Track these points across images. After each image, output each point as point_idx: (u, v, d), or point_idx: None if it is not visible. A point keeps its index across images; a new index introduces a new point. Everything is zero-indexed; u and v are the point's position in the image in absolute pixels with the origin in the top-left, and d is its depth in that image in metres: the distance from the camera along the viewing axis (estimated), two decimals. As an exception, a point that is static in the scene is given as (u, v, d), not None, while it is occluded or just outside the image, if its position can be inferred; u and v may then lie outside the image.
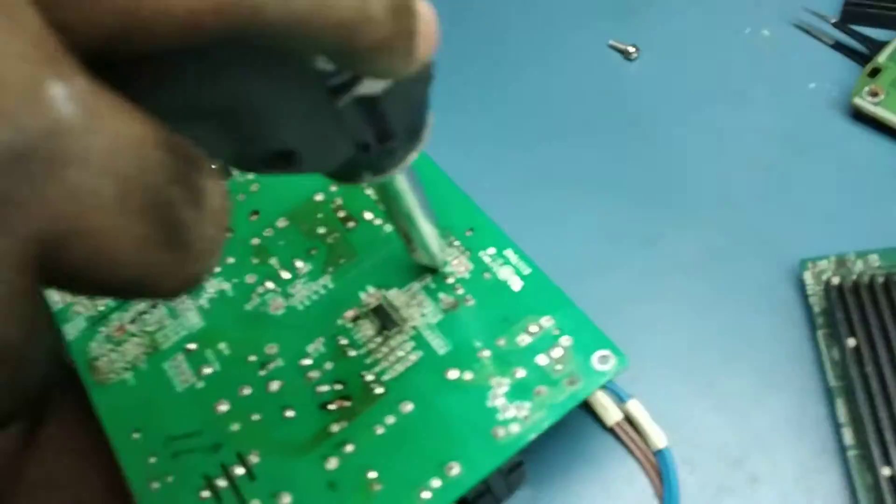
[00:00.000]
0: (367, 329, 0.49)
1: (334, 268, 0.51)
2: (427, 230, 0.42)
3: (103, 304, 0.48)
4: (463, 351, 0.45)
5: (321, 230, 0.53)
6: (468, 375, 0.44)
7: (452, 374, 0.44)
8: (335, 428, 0.43)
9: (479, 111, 0.64)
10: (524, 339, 0.45)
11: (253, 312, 0.48)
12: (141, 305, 0.47)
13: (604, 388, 0.44)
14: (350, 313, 0.50)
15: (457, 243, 0.49)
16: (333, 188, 0.53)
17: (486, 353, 0.45)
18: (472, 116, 0.63)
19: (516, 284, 0.48)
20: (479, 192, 0.51)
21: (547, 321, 0.46)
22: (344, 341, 0.48)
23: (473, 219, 0.50)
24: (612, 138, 0.61)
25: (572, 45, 0.66)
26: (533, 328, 0.46)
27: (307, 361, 0.47)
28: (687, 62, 0.62)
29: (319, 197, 0.54)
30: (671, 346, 0.50)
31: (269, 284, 0.51)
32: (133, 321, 0.49)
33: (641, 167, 0.58)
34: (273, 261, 0.52)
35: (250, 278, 0.51)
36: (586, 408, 0.49)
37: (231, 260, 0.51)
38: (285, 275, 0.52)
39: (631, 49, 0.64)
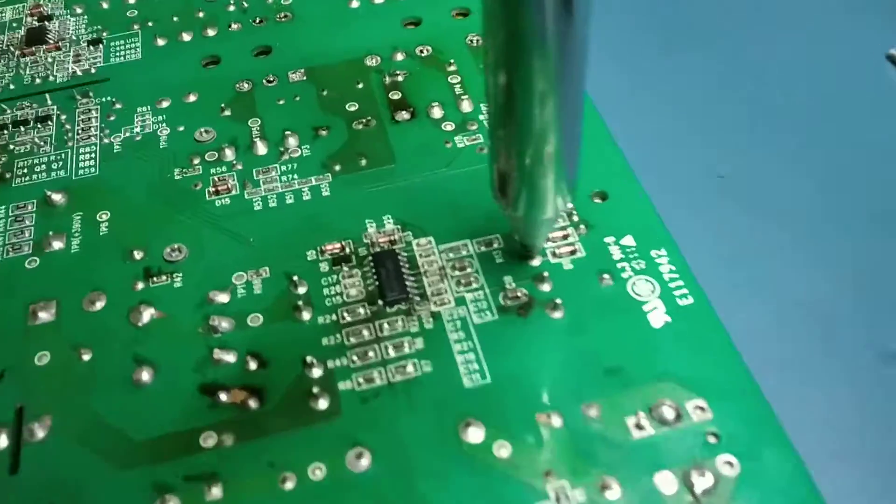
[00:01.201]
0: (351, 285, 0.34)
1: (344, 168, 0.39)
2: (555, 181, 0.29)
3: None
4: (504, 400, 0.30)
5: (351, 107, 0.42)
6: (502, 451, 0.29)
7: (472, 436, 0.29)
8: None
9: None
10: (640, 429, 0.29)
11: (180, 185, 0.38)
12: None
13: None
14: (332, 247, 0.36)
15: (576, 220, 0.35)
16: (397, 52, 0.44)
17: (555, 422, 0.29)
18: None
19: (658, 317, 0.32)
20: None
21: (696, 403, 0.29)
22: (299, 289, 0.34)
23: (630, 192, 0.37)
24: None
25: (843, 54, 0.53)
26: (665, 408, 0.29)
27: (222, 298, 0.34)
28: None
29: (372, 61, 0.44)
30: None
31: (229, 153, 0.40)
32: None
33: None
34: (255, 123, 0.41)
35: (204, 133, 0.41)
36: None
37: (193, 99, 0.43)
38: (260, 148, 0.40)
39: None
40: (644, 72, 0.55)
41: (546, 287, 0.34)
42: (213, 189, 0.38)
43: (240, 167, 0.39)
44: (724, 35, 0.58)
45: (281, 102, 0.42)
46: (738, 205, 0.47)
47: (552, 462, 0.28)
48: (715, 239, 0.44)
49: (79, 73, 0.45)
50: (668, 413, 0.29)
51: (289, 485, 0.29)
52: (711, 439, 0.28)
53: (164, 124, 0.42)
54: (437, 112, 0.41)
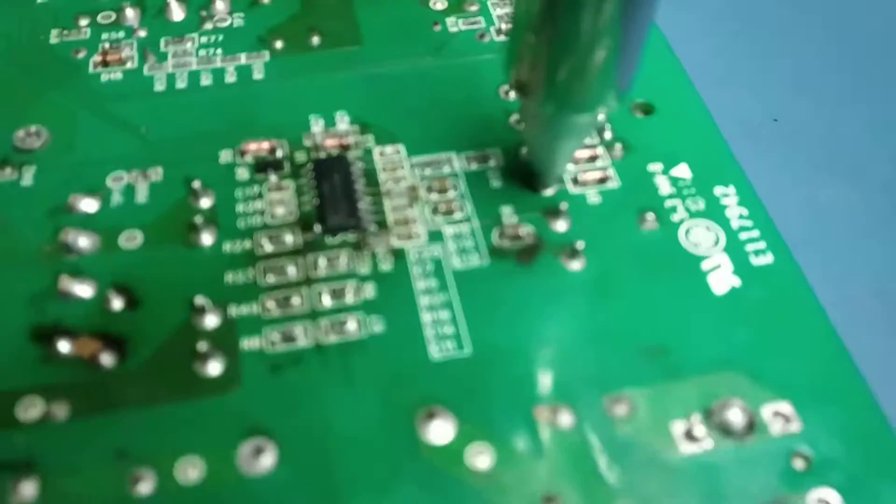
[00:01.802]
0: (278, 201, 0.25)
1: (289, 45, 0.29)
2: None
3: None
4: (489, 384, 0.22)
5: None
6: (479, 460, 0.20)
7: (436, 433, 0.21)
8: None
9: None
10: (693, 440, 0.21)
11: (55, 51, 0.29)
12: None
13: None
14: (258, 146, 0.26)
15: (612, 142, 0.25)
16: None
17: (563, 421, 0.21)
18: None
19: (722, 278, 0.23)
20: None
21: (777, 407, 0.21)
22: (202, 201, 0.25)
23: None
24: None
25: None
26: (730, 413, 0.21)
27: (86, 205, 0.25)
28: None
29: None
30: None
31: (130, 15, 0.30)
32: None
33: None
34: None
35: None
36: None
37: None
38: (175, 12, 0.30)
39: None
40: None
41: (561, 225, 0.24)
42: (101, 59, 0.28)
43: (143, 34, 0.29)
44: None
45: (214, -42, 0.32)
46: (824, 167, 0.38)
47: (554, 481, 0.20)
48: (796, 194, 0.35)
49: None
50: (736, 420, 0.21)
51: (143, 488, 0.19)
52: (799, 463, 0.20)
53: (49, -28, 0.31)
54: (424, -16, 0.31)
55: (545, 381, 0.21)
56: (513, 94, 0.27)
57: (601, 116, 0.22)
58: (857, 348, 0.24)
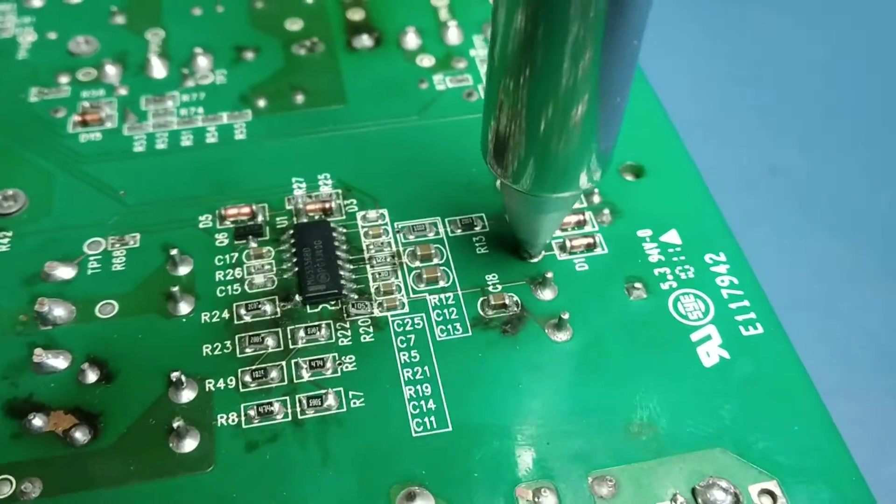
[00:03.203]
0: (258, 269, 0.26)
1: (272, 104, 0.31)
2: None
3: None
4: (470, 462, 0.22)
5: (292, 25, 0.34)
6: None
7: None
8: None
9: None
10: None
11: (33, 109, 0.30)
12: None
13: None
14: (238, 211, 0.27)
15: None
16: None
17: (546, 502, 0.22)
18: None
19: (711, 350, 0.24)
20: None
21: (764, 486, 0.22)
22: (180, 269, 0.26)
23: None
24: None
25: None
26: (716, 492, 0.22)
27: (63, 273, 0.26)
28: None
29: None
30: None
31: (111, 72, 0.32)
32: None
33: None
34: (155, 35, 0.33)
35: (83, 44, 0.33)
36: None
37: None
38: (157, 69, 0.32)
39: None
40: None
41: (548, 294, 0.25)
42: (80, 118, 0.29)
43: (123, 92, 0.30)
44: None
45: (197, 12, 0.33)
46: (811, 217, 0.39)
47: (537, 570, 0.20)
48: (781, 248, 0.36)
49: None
50: (721, 499, 0.22)
51: (114, 573, 0.20)
52: (787, 548, 0.20)
53: (30, 28, 0.33)
54: (411, 40, 0.32)
55: (528, 458, 0.22)
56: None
57: (587, 187, 0.23)
58: (854, 408, 0.25)
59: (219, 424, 0.22)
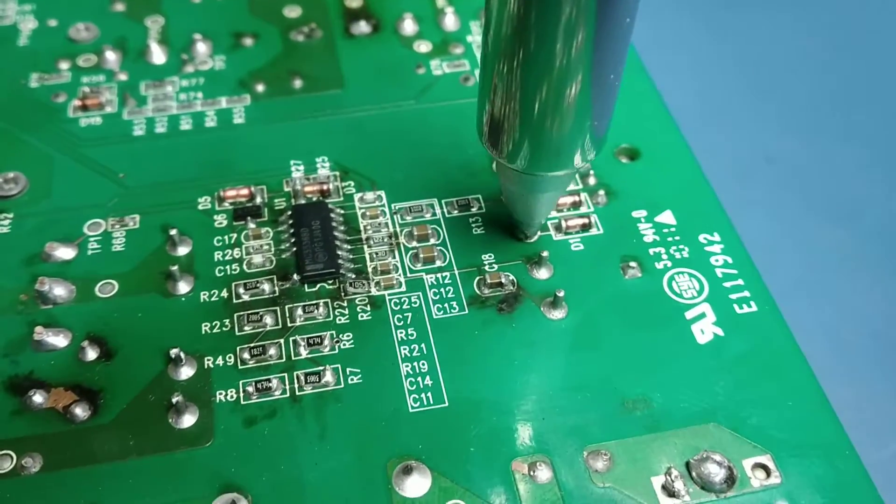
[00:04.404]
0: (256, 249, 0.26)
1: (270, 89, 0.31)
2: None
3: None
4: (466, 436, 0.23)
5: (291, 11, 0.34)
6: None
7: (412, 487, 0.22)
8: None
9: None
10: (672, 496, 0.22)
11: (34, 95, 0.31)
12: None
13: None
14: (237, 193, 0.28)
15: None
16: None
17: (541, 476, 0.22)
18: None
19: (705, 328, 0.25)
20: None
21: (758, 460, 0.22)
22: (179, 249, 0.26)
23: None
24: None
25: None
26: (710, 465, 0.22)
27: (63, 253, 0.26)
28: None
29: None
30: None
31: (111, 58, 0.32)
32: None
33: None
34: (155, 22, 0.33)
35: (83, 31, 0.33)
36: None
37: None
38: (156, 55, 0.32)
39: None
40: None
41: (543, 273, 0.25)
42: (80, 103, 0.29)
43: (123, 77, 0.31)
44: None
45: (196, -1, 0.33)
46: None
47: (532, 539, 0.20)
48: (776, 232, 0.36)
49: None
50: (715, 473, 0.22)
51: (114, 545, 0.20)
52: (780, 520, 0.21)
53: (30, 15, 0.33)
54: (409, 27, 0.32)
55: (524, 433, 0.22)
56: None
57: (582, 166, 0.23)
58: (850, 392, 0.25)
59: (217, 400, 0.22)
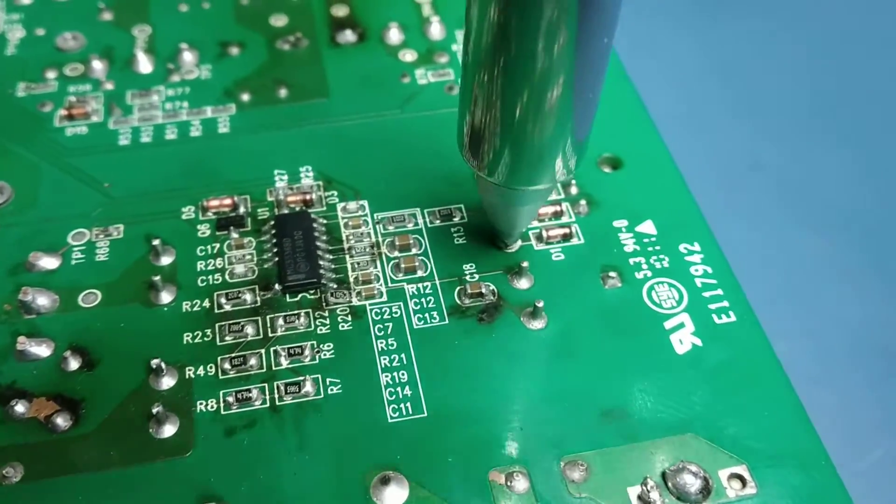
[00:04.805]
0: (238, 259, 0.26)
1: (256, 98, 0.31)
2: None
3: None
4: (445, 446, 0.23)
5: (277, 21, 0.34)
6: None
7: (390, 498, 0.22)
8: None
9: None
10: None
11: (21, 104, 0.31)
12: None
13: None
14: (220, 203, 0.28)
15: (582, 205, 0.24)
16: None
17: (518, 486, 0.22)
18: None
19: (683, 338, 0.25)
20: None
21: (733, 470, 0.22)
22: (162, 259, 0.26)
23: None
24: None
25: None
26: (686, 476, 0.22)
27: (46, 263, 0.26)
28: None
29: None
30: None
31: (98, 67, 0.32)
32: None
33: None
34: (142, 31, 0.33)
35: (70, 39, 0.33)
36: None
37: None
38: (143, 64, 0.32)
39: None
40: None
41: (524, 283, 0.25)
42: (66, 112, 0.30)
43: (110, 87, 0.31)
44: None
45: (183, 8, 0.34)
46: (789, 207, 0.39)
47: (507, 550, 0.20)
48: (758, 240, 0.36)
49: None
50: (691, 483, 0.22)
51: (93, 555, 0.20)
52: (754, 529, 0.21)
53: (18, 24, 0.33)
54: (394, 36, 0.32)
55: (501, 444, 0.22)
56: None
57: (563, 179, 0.24)
58: (831, 400, 0.25)
59: (198, 410, 0.23)
